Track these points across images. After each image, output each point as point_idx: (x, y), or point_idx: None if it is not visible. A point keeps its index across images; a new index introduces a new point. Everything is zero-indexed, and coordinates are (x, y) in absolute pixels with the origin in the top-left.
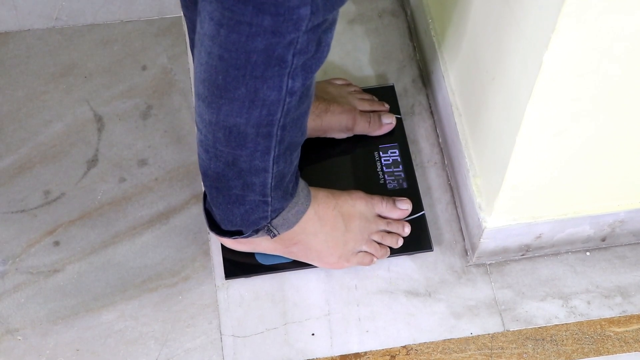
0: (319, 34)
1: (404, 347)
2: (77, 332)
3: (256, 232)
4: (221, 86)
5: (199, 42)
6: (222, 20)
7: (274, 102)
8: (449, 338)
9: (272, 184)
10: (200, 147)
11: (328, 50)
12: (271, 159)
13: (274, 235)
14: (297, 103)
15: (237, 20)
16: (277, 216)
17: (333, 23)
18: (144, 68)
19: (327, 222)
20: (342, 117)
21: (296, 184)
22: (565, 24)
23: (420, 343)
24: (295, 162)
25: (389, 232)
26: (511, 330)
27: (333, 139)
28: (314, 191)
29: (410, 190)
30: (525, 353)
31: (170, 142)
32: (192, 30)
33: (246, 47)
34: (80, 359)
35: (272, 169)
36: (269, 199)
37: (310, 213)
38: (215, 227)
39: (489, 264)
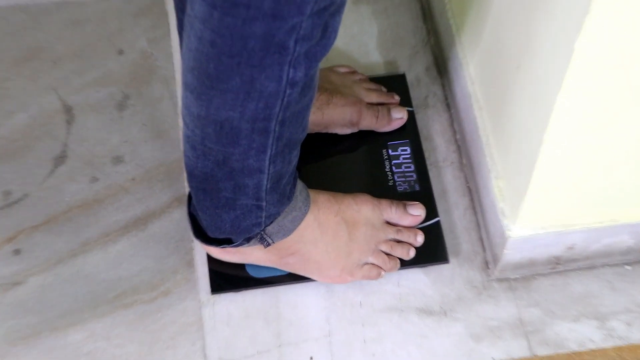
0: (325, 18)
1: None
2: (40, 355)
3: (247, 240)
4: (212, 76)
5: (189, 25)
6: (215, 1)
7: (272, 94)
8: None
9: (268, 186)
10: (187, 144)
11: (335, 37)
12: (267, 158)
13: (268, 245)
14: (298, 95)
15: (232, 2)
16: (271, 223)
17: (342, 5)
18: (120, 52)
19: (328, 229)
20: (346, 109)
21: (294, 186)
22: (600, 4)
23: None
24: (294, 161)
25: (399, 242)
26: (539, 355)
27: (335, 135)
28: (313, 194)
29: (424, 193)
30: None
31: (150, 137)
32: (180, 10)
33: (242, 32)
34: None
35: (268, 169)
36: (264, 204)
37: (309, 219)
38: (201, 234)
39: (514, 279)
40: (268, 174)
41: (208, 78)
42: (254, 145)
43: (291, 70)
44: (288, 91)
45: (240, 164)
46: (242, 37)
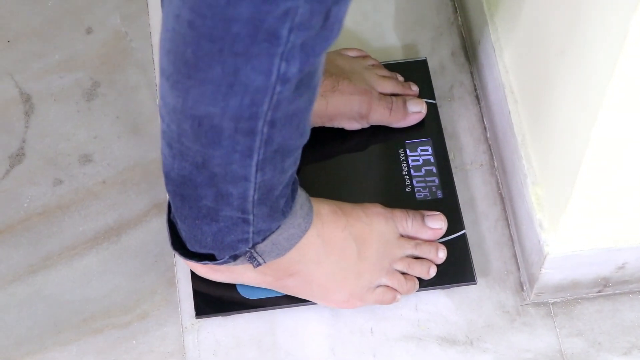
0: (327, 5)
1: None
2: None
3: (234, 258)
4: (190, 62)
5: (167, 0)
6: None
7: (259, 89)
8: None
9: (255, 197)
10: (163, 140)
11: (339, 29)
12: (254, 164)
13: (258, 264)
14: (291, 94)
15: None
16: (263, 240)
17: None
18: (88, 31)
19: (334, 247)
20: (354, 98)
21: (292, 199)
22: None
23: None
24: (290, 171)
25: (417, 259)
26: None
27: (342, 131)
28: (316, 205)
29: (447, 201)
30: None
31: (124, 132)
32: None
33: (226, 13)
34: None
35: (255, 178)
36: (250, 217)
37: (311, 235)
38: (180, 245)
39: (553, 303)
40: (255, 182)
41: (185, 65)
42: (238, 148)
43: (283, 63)
44: (278, 88)
45: (222, 168)
46: (225, 19)
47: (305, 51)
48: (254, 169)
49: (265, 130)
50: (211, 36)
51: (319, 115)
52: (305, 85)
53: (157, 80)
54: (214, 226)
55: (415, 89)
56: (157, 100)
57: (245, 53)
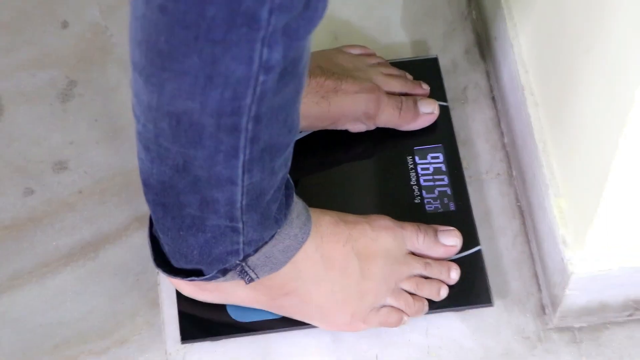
0: None
1: None
2: None
3: (223, 273)
4: (164, 52)
5: None
6: None
7: (241, 80)
8: None
9: (243, 202)
10: (139, 143)
11: (324, 8)
12: (240, 164)
13: (251, 280)
14: (276, 84)
15: None
16: (255, 251)
17: None
18: (64, 25)
19: (334, 263)
20: (360, 97)
21: (287, 204)
22: None
23: None
24: (281, 173)
25: (427, 278)
26: None
27: (344, 136)
28: (315, 216)
29: (460, 215)
30: None
31: (103, 137)
32: None
33: None
34: None
35: (242, 180)
36: (240, 225)
37: (309, 249)
38: (164, 262)
39: (579, 328)
40: (242, 186)
41: (159, 55)
42: (222, 148)
43: (265, 49)
44: (262, 77)
45: (205, 171)
46: (200, 2)
47: (289, 35)
48: (240, 170)
49: (250, 126)
50: (185, 21)
51: (321, 117)
52: (290, 74)
53: (131, 74)
54: (201, 237)
55: (425, 87)
56: (132, 98)
57: (223, 40)
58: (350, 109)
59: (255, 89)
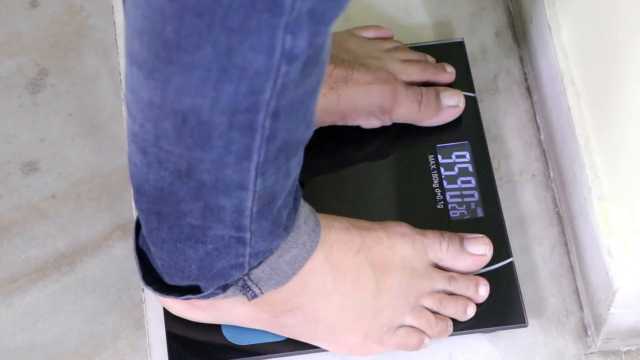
0: None
1: None
2: None
3: (223, 289)
4: (171, 43)
5: None
6: None
7: (260, 72)
8: None
9: (254, 209)
10: (133, 145)
11: None
12: (253, 167)
13: (254, 296)
14: (299, 75)
15: None
16: (259, 264)
17: None
18: (33, 4)
19: (346, 274)
20: (374, 89)
21: (294, 210)
22: None
23: None
24: (295, 174)
25: (451, 294)
26: None
27: (356, 132)
28: (324, 222)
29: (490, 222)
30: None
31: (79, 134)
32: None
33: None
34: None
35: (255, 185)
36: (248, 235)
37: (317, 259)
38: (154, 279)
39: (626, 352)
40: (254, 191)
41: (165, 47)
42: (233, 149)
43: (288, 37)
44: (284, 68)
45: (212, 175)
46: None
47: (314, 19)
48: (253, 173)
49: (267, 124)
50: (197, 8)
51: (329, 111)
52: (314, 63)
53: (123, 68)
54: (201, 249)
55: (450, 70)
56: (123, 94)
57: (240, 27)
58: (362, 102)
59: (276, 81)
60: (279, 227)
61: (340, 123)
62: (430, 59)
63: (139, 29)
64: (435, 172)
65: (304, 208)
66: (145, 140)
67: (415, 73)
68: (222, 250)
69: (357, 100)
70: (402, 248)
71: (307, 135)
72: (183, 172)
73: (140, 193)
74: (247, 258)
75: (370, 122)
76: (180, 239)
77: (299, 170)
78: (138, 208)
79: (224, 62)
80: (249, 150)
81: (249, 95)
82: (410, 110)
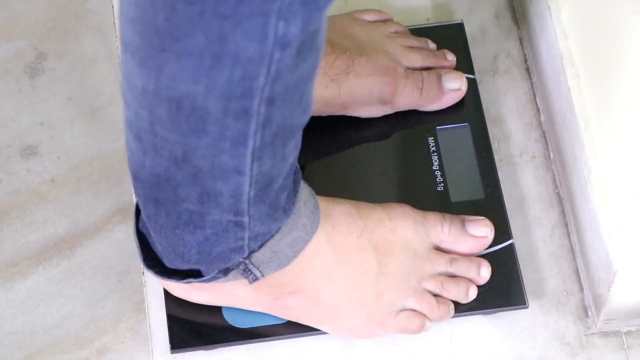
0: None
1: None
2: None
3: (225, 273)
4: (163, 31)
5: None
6: None
7: (253, 58)
8: None
9: (251, 194)
10: (129, 132)
11: None
12: (249, 152)
13: (255, 279)
14: (293, 61)
15: None
16: (260, 247)
17: None
18: None
19: (347, 257)
20: (374, 81)
21: (294, 193)
22: None
23: None
24: (292, 158)
25: (453, 277)
26: None
27: (359, 118)
28: (325, 205)
29: (490, 204)
30: None
31: (78, 117)
32: None
33: None
34: None
35: (251, 170)
36: (246, 219)
37: (318, 242)
38: (155, 263)
39: (626, 333)
40: (251, 176)
41: (157, 35)
42: (229, 135)
43: (281, 23)
44: (277, 55)
45: (208, 161)
46: None
47: (307, 5)
48: (249, 158)
49: (262, 109)
50: None
51: (330, 103)
52: (308, 48)
53: (120, 56)
54: (199, 234)
55: (451, 58)
56: (120, 82)
57: (232, 14)
58: (362, 93)
59: (270, 67)
60: (278, 210)
61: (340, 113)
62: (432, 44)
63: (132, 17)
64: (436, 154)
65: (304, 190)
66: (140, 127)
67: (417, 59)
68: (221, 235)
69: (357, 92)
70: (404, 230)
71: (304, 119)
72: (179, 159)
73: (137, 179)
74: (246, 241)
75: (371, 112)
76: (179, 224)
77: (296, 153)
78: (136, 194)
79: (216, 49)
80: (245, 135)
81: (242, 81)
82: (412, 98)
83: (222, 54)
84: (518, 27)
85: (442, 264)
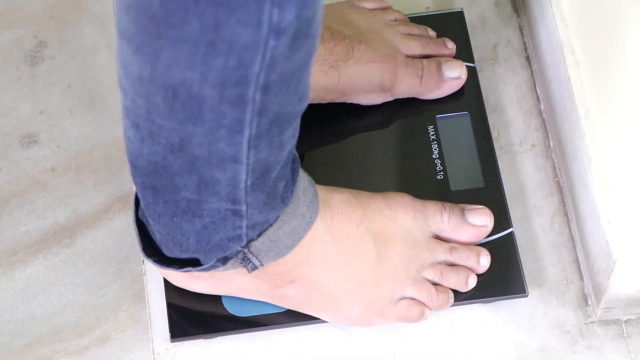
0: None
1: None
2: None
3: (223, 261)
4: (159, 18)
5: None
6: None
7: (248, 46)
8: None
9: (248, 182)
10: (127, 119)
11: None
12: (245, 140)
13: (254, 268)
14: (288, 48)
15: None
16: (259, 235)
17: None
18: None
19: (347, 246)
20: (374, 67)
21: (292, 182)
22: None
23: None
24: (289, 146)
25: (452, 265)
26: None
27: (358, 107)
28: (325, 194)
29: (490, 192)
30: None
31: (78, 106)
32: None
33: None
34: None
35: (248, 158)
36: (243, 208)
37: (318, 230)
38: (154, 251)
39: (626, 321)
40: (247, 164)
41: (152, 21)
42: (225, 122)
43: (275, 10)
44: (272, 42)
45: (205, 149)
46: None
47: None
48: (245, 147)
49: (257, 97)
50: None
51: (329, 89)
52: (303, 36)
53: (117, 44)
54: (197, 223)
55: (451, 47)
56: (117, 69)
57: (227, 1)
58: (362, 80)
59: (265, 55)
60: (275, 198)
61: (340, 100)
62: (432, 32)
63: (127, 4)
64: (435, 143)
65: (303, 179)
66: (137, 115)
67: (417, 47)
68: (219, 223)
69: (357, 79)
70: (403, 219)
71: (301, 107)
72: (176, 146)
73: (135, 167)
74: (244, 230)
75: (371, 100)
76: (177, 213)
77: (293, 142)
78: (134, 182)
79: (211, 36)
80: (241, 123)
81: (238, 69)
82: (412, 86)
83: (217, 41)
84: (518, 16)
85: (441, 253)
